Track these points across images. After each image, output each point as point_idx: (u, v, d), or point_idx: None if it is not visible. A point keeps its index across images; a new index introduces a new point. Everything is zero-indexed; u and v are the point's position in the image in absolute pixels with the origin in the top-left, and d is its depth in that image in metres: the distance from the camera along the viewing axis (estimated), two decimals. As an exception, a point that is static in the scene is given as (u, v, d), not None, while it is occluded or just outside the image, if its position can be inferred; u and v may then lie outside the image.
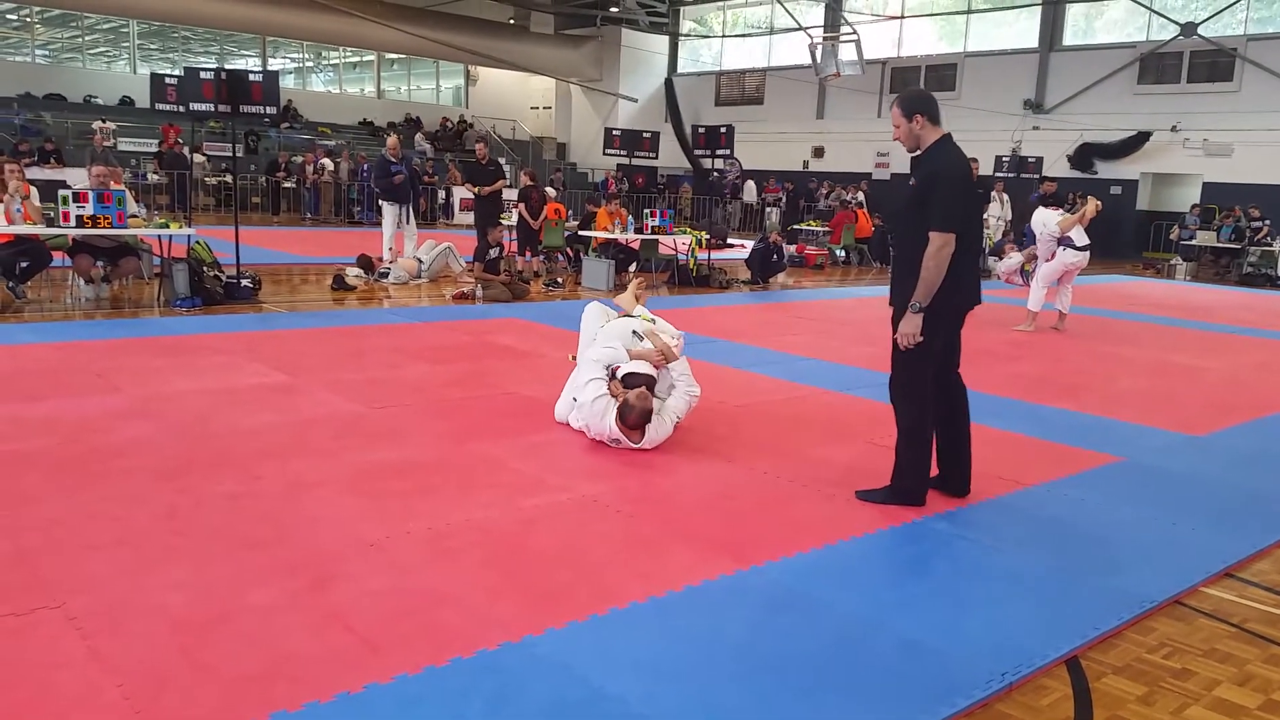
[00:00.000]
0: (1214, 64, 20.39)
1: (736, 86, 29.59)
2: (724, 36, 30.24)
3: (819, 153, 27.08)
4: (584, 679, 2.63)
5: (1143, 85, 21.37)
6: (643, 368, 4.92)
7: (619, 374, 4.91)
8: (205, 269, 9.04)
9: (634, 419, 4.69)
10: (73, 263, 8.75)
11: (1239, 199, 19.05)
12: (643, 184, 22.70)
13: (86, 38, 27.28)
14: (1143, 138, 21.11)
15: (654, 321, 5.33)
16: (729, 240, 19.03)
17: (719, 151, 15.70)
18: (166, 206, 17.60)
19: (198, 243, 9.28)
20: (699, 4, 30.25)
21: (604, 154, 16.61)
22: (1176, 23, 20.65)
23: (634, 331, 5.17)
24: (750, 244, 14.34)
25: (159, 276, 9.10)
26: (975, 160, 11.94)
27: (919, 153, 4.06)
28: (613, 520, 3.88)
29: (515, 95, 32.57)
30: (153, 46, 28.23)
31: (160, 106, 13.59)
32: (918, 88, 4.38)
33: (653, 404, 4.79)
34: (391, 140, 12.52)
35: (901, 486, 4.17)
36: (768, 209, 23.77)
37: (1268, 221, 18.19)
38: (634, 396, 4.71)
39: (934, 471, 4.38)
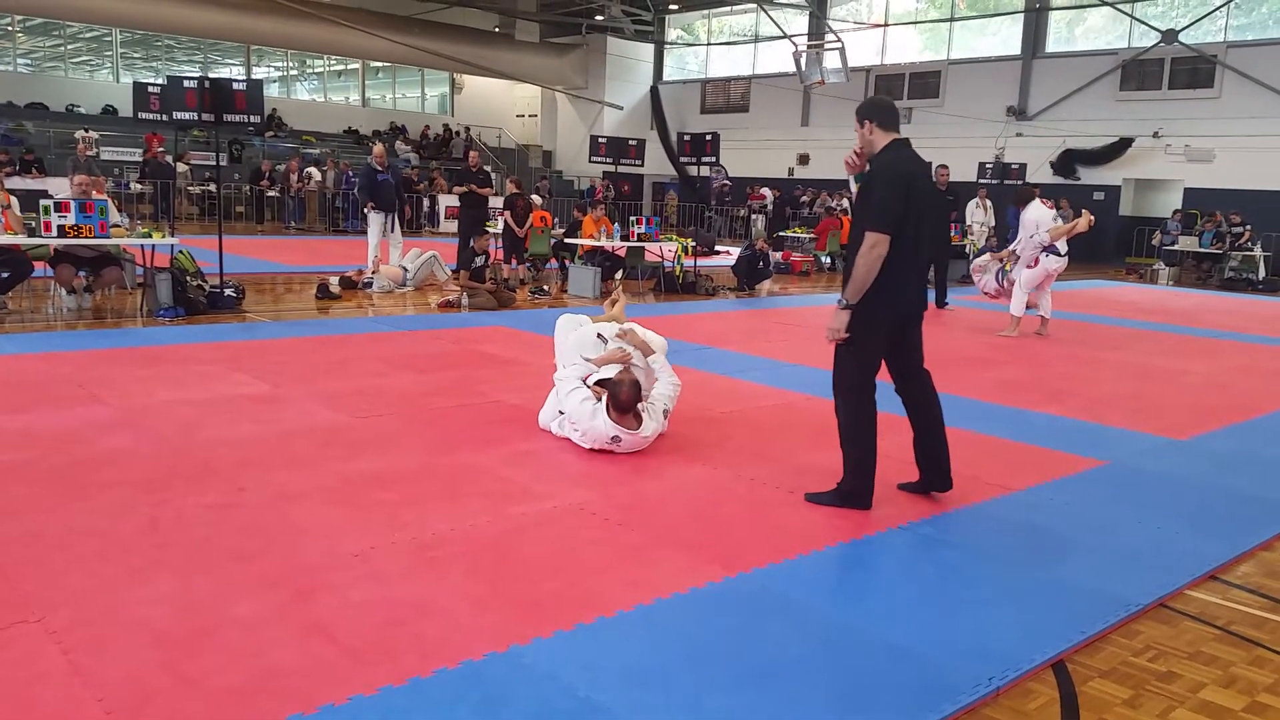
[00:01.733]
0: (1195, 70, 20.59)
1: (722, 94, 29.69)
2: (709, 44, 30.36)
3: (804, 160, 27.18)
4: (571, 689, 2.62)
5: (1125, 92, 21.55)
6: (613, 371, 4.98)
7: (589, 381, 5.01)
8: (189, 278, 8.99)
9: (626, 393, 4.72)
10: (54, 273, 8.69)
11: (1220, 204, 19.21)
12: (629, 191, 22.77)
13: (69, 46, 27.12)
14: (1125, 144, 21.27)
15: (632, 332, 5.36)
16: (715, 247, 19.06)
17: (704, 159, 15.79)
18: (150, 216, 17.50)
19: (181, 252, 9.24)
20: (684, 12, 30.36)
21: (590, 161, 16.65)
22: (1157, 30, 20.85)
23: (599, 335, 5.26)
24: (736, 251, 14.37)
25: (142, 286, 9.04)
26: (945, 167, 12.01)
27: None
28: (600, 528, 3.87)
29: (501, 103, 32.60)
30: (136, 55, 28.09)
31: (143, 115, 13.54)
32: (876, 95, 4.52)
33: (638, 377, 4.87)
34: (378, 148, 12.53)
35: (845, 488, 4.18)
36: (753, 216, 23.84)
37: (1249, 226, 18.36)
38: (617, 376, 4.81)
39: (916, 475, 4.40)
